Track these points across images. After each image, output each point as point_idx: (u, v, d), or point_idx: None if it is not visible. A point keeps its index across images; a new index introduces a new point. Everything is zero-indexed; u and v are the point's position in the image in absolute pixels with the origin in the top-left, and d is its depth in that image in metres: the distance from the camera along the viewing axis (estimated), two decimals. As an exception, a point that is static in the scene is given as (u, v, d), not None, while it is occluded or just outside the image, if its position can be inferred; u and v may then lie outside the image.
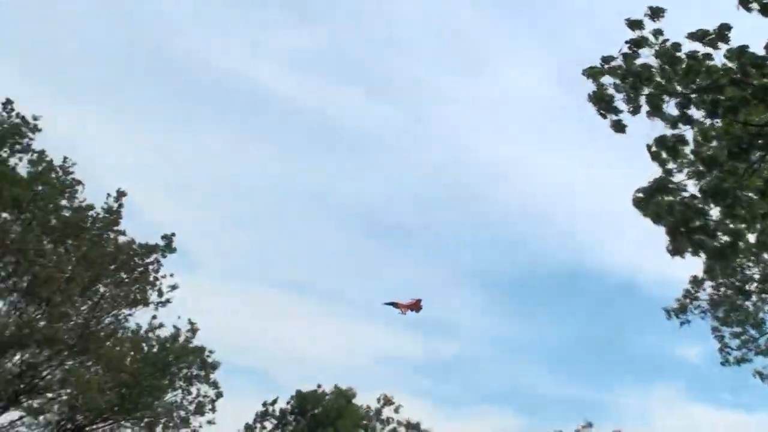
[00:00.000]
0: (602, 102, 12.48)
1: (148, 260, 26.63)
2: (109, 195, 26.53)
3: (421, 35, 74.05)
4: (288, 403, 34.19)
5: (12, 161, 25.13)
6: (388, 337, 64.06)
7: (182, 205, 59.64)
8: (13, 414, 25.76)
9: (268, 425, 33.49)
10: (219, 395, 28.59)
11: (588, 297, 71.83)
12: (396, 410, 38.46)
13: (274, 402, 32.84)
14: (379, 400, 38.90)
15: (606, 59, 12.71)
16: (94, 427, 26.98)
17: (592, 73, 12.42)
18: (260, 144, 70.98)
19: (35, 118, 25.22)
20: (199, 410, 28.20)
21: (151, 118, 65.38)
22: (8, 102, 24.90)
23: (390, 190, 72.52)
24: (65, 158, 25.94)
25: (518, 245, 74.23)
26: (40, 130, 25.40)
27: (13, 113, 24.91)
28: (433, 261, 72.93)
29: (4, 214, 24.78)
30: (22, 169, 25.09)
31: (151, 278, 26.70)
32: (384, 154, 75.05)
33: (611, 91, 12.65)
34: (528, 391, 65.95)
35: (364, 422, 37.37)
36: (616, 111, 12.70)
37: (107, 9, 67.24)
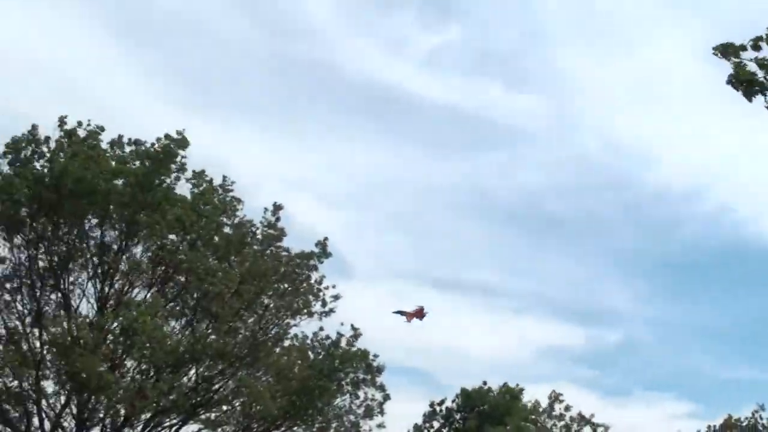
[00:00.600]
0: (745, 84, 11.77)
1: (308, 270, 27.45)
2: (266, 209, 27.56)
3: (558, 22, 72.83)
4: (453, 401, 34.41)
5: (170, 181, 26.46)
6: (546, 329, 63.52)
7: (332, 210, 60.90)
8: (193, 427, 27.08)
9: (436, 425, 33.81)
10: (386, 398, 29.04)
11: (752, 274, 68.87)
12: (567, 408, 38.04)
13: (442, 402, 33.14)
14: (549, 396, 38.59)
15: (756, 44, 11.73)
16: (268, 433, 27.91)
17: (727, 51, 11.60)
18: (404, 144, 71.83)
19: (181, 140, 26.28)
20: (368, 414, 28.74)
21: (294, 126, 66.95)
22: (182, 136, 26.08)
23: (537, 181, 71.84)
24: (224, 177, 27.17)
25: (673, 227, 72.13)
26: (186, 145, 26.48)
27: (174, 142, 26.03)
28: (587, 249, 71.75)
29: (171, 236, 26.16)
30: (185, 190, 26.46)
31: (315, 289, 27.51)
32: (529, 145, 74.34)
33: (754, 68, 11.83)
34: (695, 376, 64.02)
35: (532, 417, 37.13)
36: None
37: (245, 15, 69.21)
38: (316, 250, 27.48)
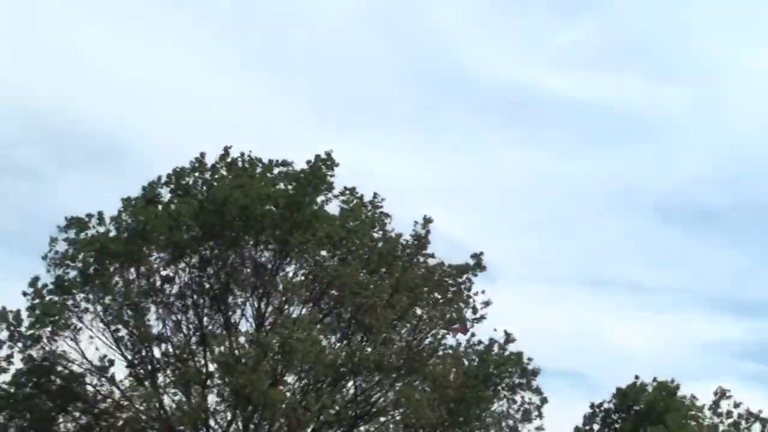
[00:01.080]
0: None
1: (460, 280, 27.70)
2: (416, 222, 27.98)
3: (698, 8, 70.23)
4: (610, 401, 33.88)
5: (323, 203, 27.30)
6: (704, 324, 61.46)
7: (473, 215, 60.69)
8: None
9: (596, 427, 33.39)
10: (544, 401, 28.92)
11: None
12: (736, 405, 36.77)
13: (601, 404, 32.70)
14: (715, 392, 37.42)
15: None
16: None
17: None
18: (544, 144, 70.57)
19: (333, 163, 27.10)
20: (526, 417, 28.69)
21: (432, 134, 67.11)
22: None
23: (689, 172, 69.32)
24: (375, 194, 27.81)
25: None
26: (337, 165, 27.28)
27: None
28: (747, 239, 68.99)
29: (322, 252, 26.90)
30: (334, 207, 27.35)
31: (464, 296, 27.74)
32: (676, 136, 71.90)
33: None
34: None
35: (692, 413, 36.07)
36: None
37: (373, 26, 69.83)
38: (471, 262, 27.81)
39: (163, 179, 27.58)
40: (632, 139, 70.87)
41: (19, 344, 26.83)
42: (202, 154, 27.60)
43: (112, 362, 27.35)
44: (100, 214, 27.33)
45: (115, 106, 61.32)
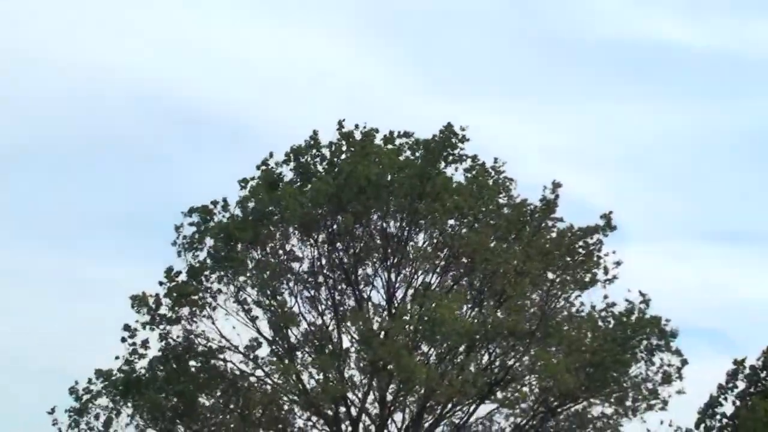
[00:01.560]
0: None
1: (590, 241, 27.25)
2: (545, 187, 27.64)
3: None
4: (758, 359, 32.67)
5: (449, 171, 27.21)
6: None
7: (600, 175, 59.42)
8: (487, 407, 27.52)
9: (741, 385, 32.27)
10: (684, 363, 28.10)
11: None
12: None
13: (743, 361, 31.53)
14: None
15: None
16: (565, 407, 27.84)
17: None
18: (669, 97, 68.18)
19: (462, 129, 27.03)
20: (666, 380, 27.93)
21: (552, 95, 65.80)
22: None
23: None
24: (495, 159, 27.75)
25: None
26: (468, 140, 27.18)
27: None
28: None
29: (450, 221, 26.82)
30: (460, 175, 27.21)
31: (595, 258, 27.27)
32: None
33: None
34: None
35: None
36: None
37: None
38: (600, 222, 27.33)
39: (281, 158, 27.89)
40: (763, 88, 67.72)
41: (161, 327, 27.57)
42: (315, 132, 27.79)
43: (259, 344, 27.83)
44: (225, 200, 27.85)
45: (237, 87, 62.54)
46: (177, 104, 62.47)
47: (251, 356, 27.63)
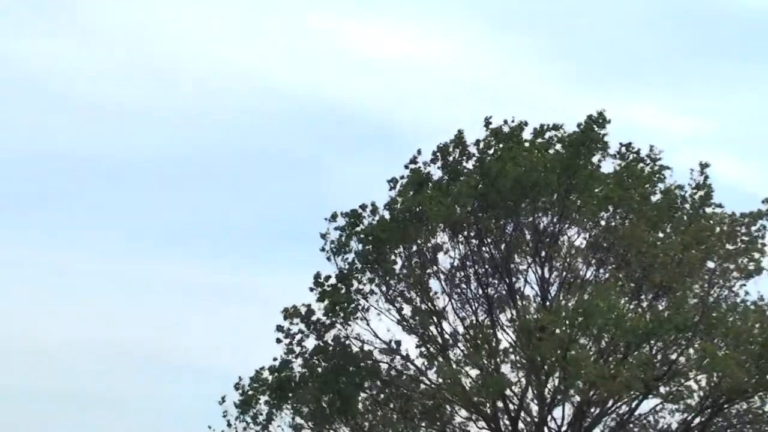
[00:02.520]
0: None
1: (754, 228, 26.17)
2: (692, 170, 26.83)
3: None
4: None
5: (596, 161, 26.58)
6: None
7: (752, 161, 56.82)
8: (650, 402, 26.73)
9: None
10: None
11: None
12: None
13: None
14: None
15: None
16: (734, 403, 26.70)
17: None
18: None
19: (605, 119, 26.32)
20: None
21: (702, 80, 63.25)
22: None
23: None
24: (651, 147, 26.97)
25: None
26: (609, 122, 26.47)
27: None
28: None
29: (602, 214, 26.22)
30: (610, 167, 26.59)
31: (759, 245, 26.16)
32: None
33: None
34: None
35: None
36: None
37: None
38: (763, 208, 26.38)
39: (428, 157, 27.87)
40: None
41: (314, 334, 28.10)
42: (460, 131, 27.65)
43: (399, 343, 27.99)
44: (374, 204, 28.05)
45: (379, 88, 63.24)
46: (323, 109, 63.67)
47: (405, 354, 27.75)
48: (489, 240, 27.23)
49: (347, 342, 28.20)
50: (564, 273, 26.61)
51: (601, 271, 26.48)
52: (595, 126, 26.19)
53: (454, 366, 26.49)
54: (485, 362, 25.73)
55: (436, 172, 27.81)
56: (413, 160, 27.95)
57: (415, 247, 27.55)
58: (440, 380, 26.63)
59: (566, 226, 26.62)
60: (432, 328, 27.44)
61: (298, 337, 28.41)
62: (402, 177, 27.88)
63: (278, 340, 28.46)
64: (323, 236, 28.16)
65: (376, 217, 27.80)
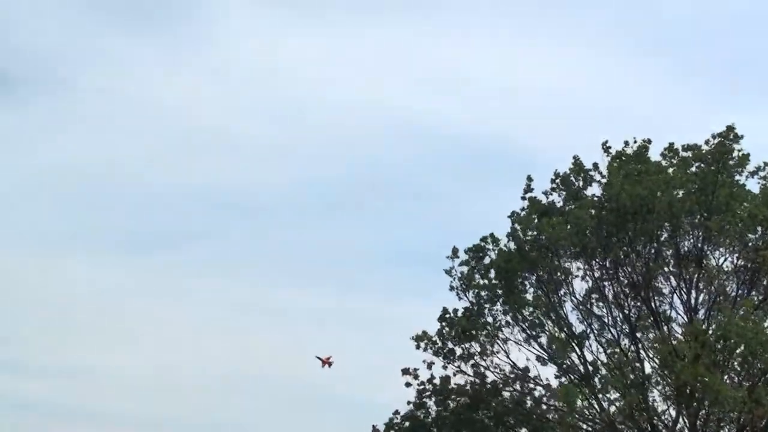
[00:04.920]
0: None
1: None
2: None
3: None
4: None
5: (733, 179, 25.67)
6: None
7: None
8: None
9: None
10: None
11: None
12: None
13: None
14: None
15: None
16: None
17: None
18: None
19: (736, 133, 25.48)
20: None
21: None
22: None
23: None
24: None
25: None
26: (741, 137, 25.64)
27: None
28: None
29: (749, 235, 25.22)
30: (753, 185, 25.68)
31: None
32: None
33: None
34: None
35: None
36: None
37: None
38: None
39: (547, 185, 27.59)
40: None
41: (453, 364, 27.82)
42: (575, 157, 27.31)
43: (527, 370, 27.48)
44: (492, 235, 27.94)
45: (500, 116, 63.23)
46: (443, 138, 63.88)
47: (544, 384, 27.21)
48: (625, 263, 26.49)
49: (484, 373, 27.82)
50: (710, 296, 25.57)
51: (753, 292, 25.28)
52: (726, 142, 25.39)
53: (599, 394, 25.79)
54: (629, 389, 24.84)
55: (557, 199, 27.50)
56: (528, 190, 27.61)
57: (545, 275, 27.11)
58: (573, 407, 25.64)
59: (710, 247, 25.67)
60: (573, 355, 26.79)
61: (427, 375, 28.21)
62: (523, 209, 27.56)
63: (407, 384, 28.36)
64: (448, 272, 28.06)
65: (499, 248, 27.59)
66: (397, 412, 28.53)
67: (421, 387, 28.30)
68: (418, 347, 28.06)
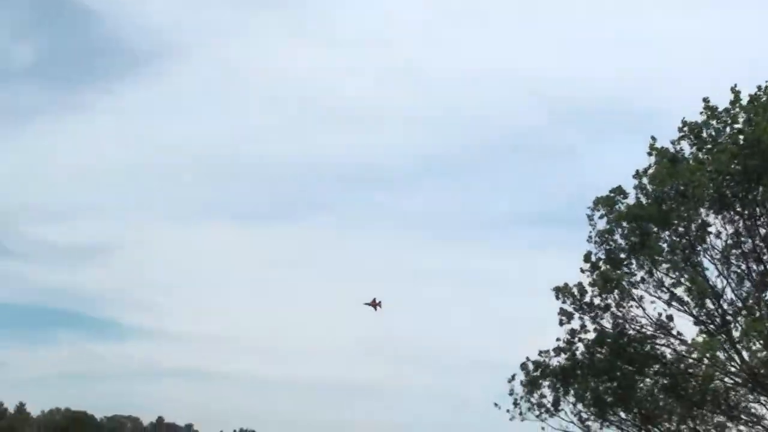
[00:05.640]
0: None
1: None
2: None
3: None
4: None
5: None
6: None
7: None
8: None
9: None
10: None
11: None
12: None
13: None
14: None
15: None
16: None
17: None
18: None
19: None
20: None
21: None
22: None
23: None
24: None
25: None
26: None
27: None
28: None
29: None
30: None
31: None
32: None
33: None
34: None
35: None
36: None
37: None
38: None
39: (676, 135, 26.83)
40: None
41: (589, 315, 28.18)
42: (706, 100, 26.34)
43: (670, 317, 27.21)
44: (620, 188, 27.69)
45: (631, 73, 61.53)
46: (577, 99, 62.89)
47: (681, 337, 27.09)
48: (762, 213, 25.74)
49: (624, 326, 27.99)
50: None
51: None
52: None
53: (737, 343, 25.44)
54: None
55: (686, 149, 26.76)
56: (652, 147, 27.04)
57: (680, 227, 26.73)
58: (707, 357, 25.31)
59: None
60: (709, 304, 26.47)
61: (577, 324, 28.68)
62: (653, 151, 27.01)
63: (561, 322, 28.79)
64: (590, 219, 28.09)
65: (631, 200, 27.38)
66: (545, 352, 29.19)
67: (568, 335, 28.85)
68: (557, 298, 28.61)
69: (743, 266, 26.16)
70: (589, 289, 28.24)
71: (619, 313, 27.93)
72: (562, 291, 28.73)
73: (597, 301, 28.18)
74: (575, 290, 28.51)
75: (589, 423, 28.43)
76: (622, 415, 27.90)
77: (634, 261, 27.31)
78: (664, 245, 26.80)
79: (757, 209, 25.71)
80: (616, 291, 27.56)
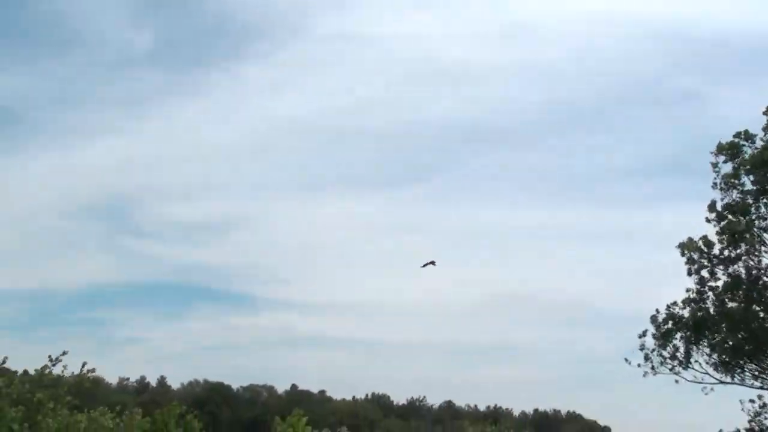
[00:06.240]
0: None
1: None
2: None
3: None
4: None
5: None
6: None
7: None
8: None
9: None
10: None
11: None
12: None
13: None
14: None
15: None
16: None
17: None
18: None
19: None
20: None
21: None
22: None
23: None
24: None
25: None
26: None
27: None
28: None
29: None
30: None
31: None
32: None
33: None
34: None
35: None
36: None
37: None
38: None
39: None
40: None
41: (720, 267, 27.44)
42: None
43: None
44: (747, 132, 26.74)
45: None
46: (698, 40, 60.90)
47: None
48: None
49: (757, 276, 27.16)
50: None
51: None
52: None
53: None
54: None
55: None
56: None
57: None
58: None
59: None
60: None
61: (706, 273, 27.99)
62: None
63: (689, 272, 28.10)
64: (714, 165, 27.36)
65: (758, 145, 26.42)
66: (674, 304, 28.63)
67: (697, 285, 28.22)
68: (683, 254, 27.96)
69: None
70: (716, 238, 27.46)
71: (752, 262, 27.10)
72: (687, 246, 28.01)
73: (726, 252, 27.42)
74: (701, 243, 27.76)
75: (723, 374, 27.74)
76: (756, 365, 27.06)
77: (762, 206, 26.45)
78: None
79: None
80: (746, 238, 26.73)
